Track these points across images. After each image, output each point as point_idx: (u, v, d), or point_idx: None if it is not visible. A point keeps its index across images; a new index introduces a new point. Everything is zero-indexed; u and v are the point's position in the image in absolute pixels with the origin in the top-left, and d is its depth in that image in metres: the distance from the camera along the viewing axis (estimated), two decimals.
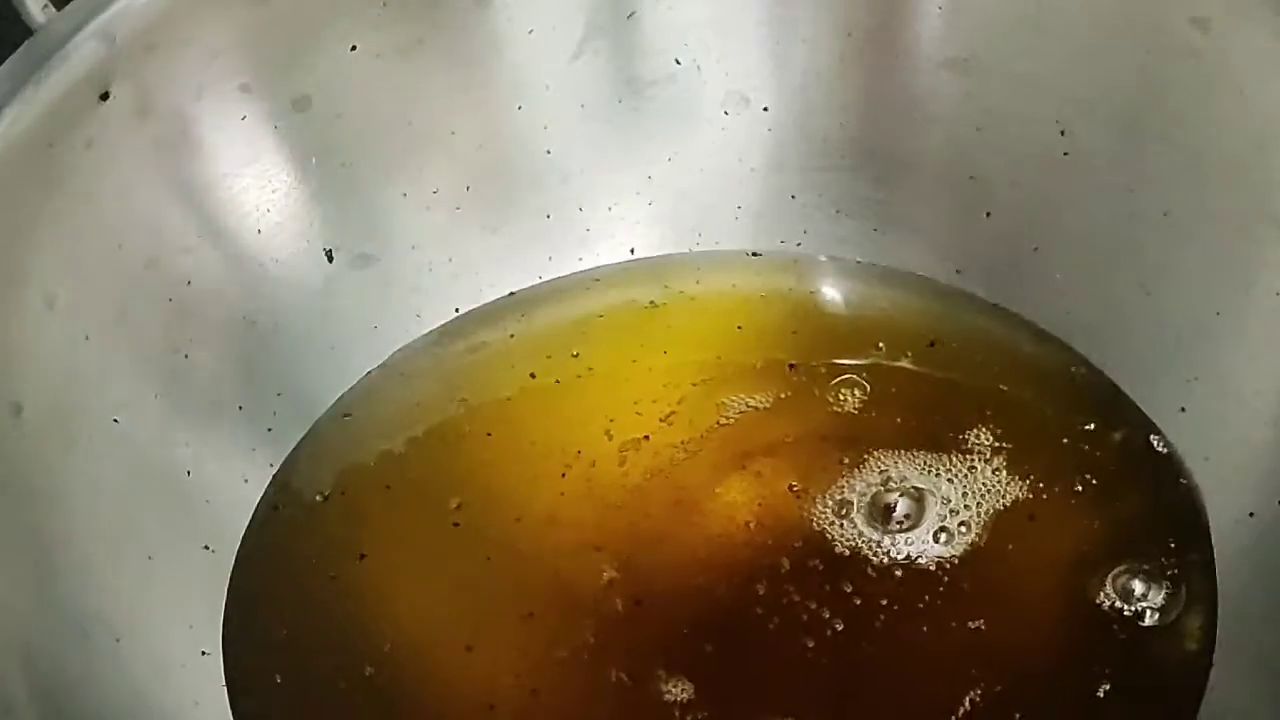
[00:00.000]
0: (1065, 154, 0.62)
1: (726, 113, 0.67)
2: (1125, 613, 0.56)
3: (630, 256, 0.68)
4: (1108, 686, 0.54)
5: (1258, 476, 0.57)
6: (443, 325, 0.66)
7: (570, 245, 0.68)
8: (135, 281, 0.59)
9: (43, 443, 0.55)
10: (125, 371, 0.59)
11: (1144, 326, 0.61)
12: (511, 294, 0.67)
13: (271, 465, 0.62)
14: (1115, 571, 0.56)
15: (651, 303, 0.67)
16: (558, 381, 0.64)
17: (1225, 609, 0.55)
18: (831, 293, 0.67)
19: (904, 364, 0.63)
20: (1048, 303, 0.64)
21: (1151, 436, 0.60)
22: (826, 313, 0.67)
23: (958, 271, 0.65)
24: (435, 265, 0.66)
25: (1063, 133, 0.62)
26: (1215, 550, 0.57)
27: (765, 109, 0.67)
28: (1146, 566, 0.57)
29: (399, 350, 0.66)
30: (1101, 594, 0.56)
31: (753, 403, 0.63)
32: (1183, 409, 0.59)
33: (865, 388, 0.63)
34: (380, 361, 0.65)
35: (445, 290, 0.66)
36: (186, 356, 0.60)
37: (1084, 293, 0.63)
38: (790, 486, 0.60)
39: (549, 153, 0.67)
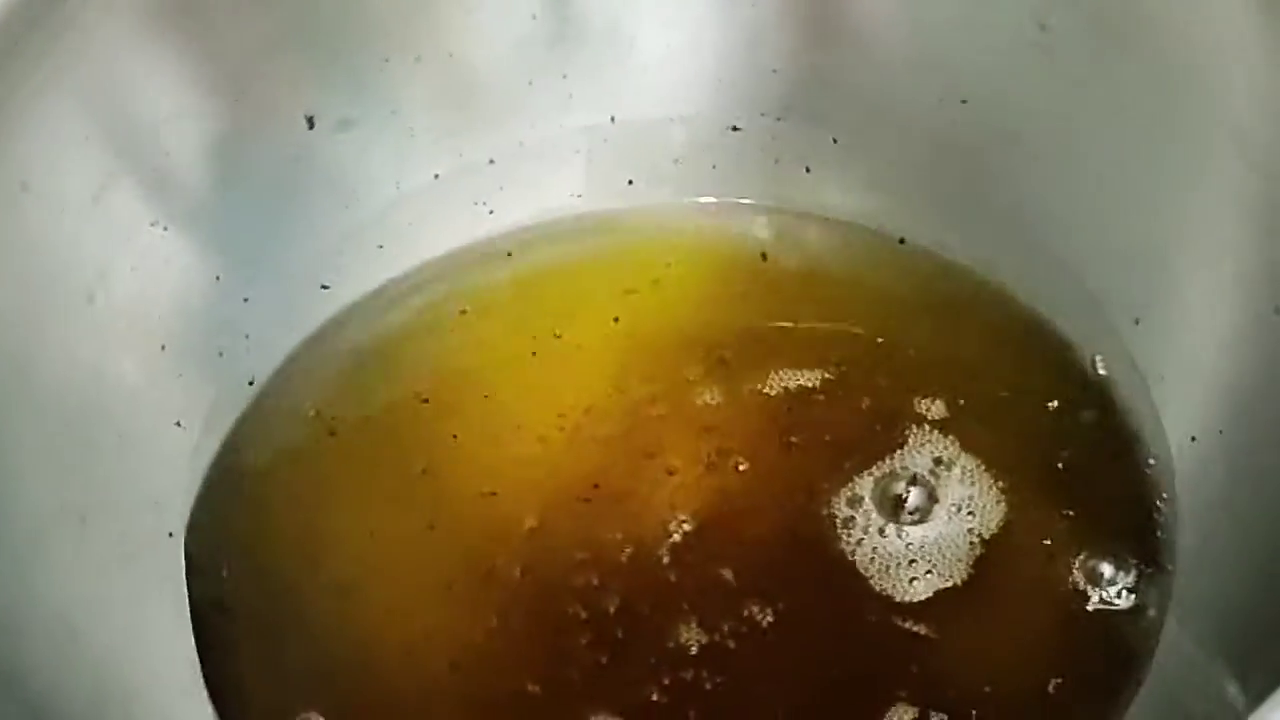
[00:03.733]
0: (1043, 50, 0.62)
1: None
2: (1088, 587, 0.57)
3: (611, 123, 0.68)
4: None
5: (1204, 401, 0.58)
6: (421, 192, 0.67)
7: (552, 111, 0.68)
8: (114, 157, 0.60)
9: (14, 324, 0.56)
10: (101, 246, 0.59)
11: (1107, 229, 0.61)
12: (491, 161, 0.67)
13: (247, 336, 0.63)
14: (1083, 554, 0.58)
15: (630, 181, 0.67)
16: (534, 262, 0.65)
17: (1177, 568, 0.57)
18: (794, 240, 0.68)
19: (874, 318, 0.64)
20: (1017, 192, 0.64)
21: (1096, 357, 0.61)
22: (786, 264, 0.68)
23: (930, 156, 0.65)
24: (416, 130, 0.66)
25: (1042, 28, 0.61)
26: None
27: None
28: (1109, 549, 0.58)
29: (377, 218, 0.66)
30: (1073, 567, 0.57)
31: (712, 372, 0.64)
32: (1137, 320, 0.60)
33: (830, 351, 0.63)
34: (358, 228, 0.66)
35: (425, 156, 0.67)
36: (165, 229, 0.61)
37: (1054, 186, 0.63)
38: (737, 466, 0.61)
39: (534, 18, 0.66)
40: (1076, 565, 0.57)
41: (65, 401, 0.57)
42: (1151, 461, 0.59)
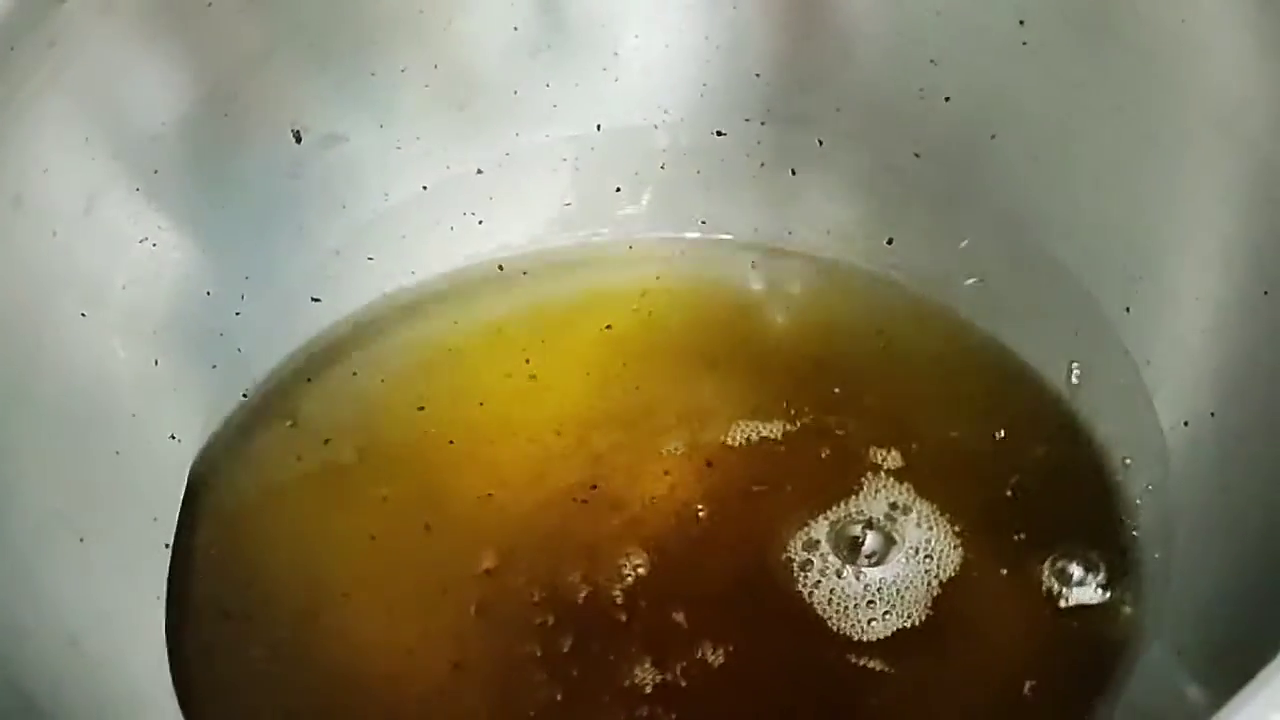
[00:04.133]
0: (1024, 44, 0.62)
1: None
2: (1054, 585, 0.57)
3: (597, 131, 0.68)
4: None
5: (1194, 383, 0.58)
6: (410, 204, 0.67)
7: (537, 122, 0.68)
8: (102, 173, 0.60)
9: (8, 338, 0.56)
10: (92, 263, 0.60)
11: (1094, 220, 0.62)
12: (479, 171, 0.68)
13: (240, 350, 0.64)
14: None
15: (618, 189, 0.68)
16: (525, 273, 0.66)
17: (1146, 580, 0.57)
18: (760, 280, 0.69)
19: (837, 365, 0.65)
20: (1001, 188, 0.64)
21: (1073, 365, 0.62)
22: (756, 308, 0.69)
23: (916, 155, 0.66)
24: (403, 143, 0.67)
25: (1021, 22, 0.62)
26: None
27: None
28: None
29: (367, 230, 0.67)
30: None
31: (678, 419, 0.64)
32: (1128, 309, 0.60)
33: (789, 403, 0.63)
34: (348, 241, 0.66)
35: (413, 168, 0.67)
36: (154, 245, 0.62)
37: (1037, 180, 0.63)
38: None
39: (516, 30, 0.67)
40: (1039, 597, 0.57)
41: (61, 414, 0.57)
42: (1120, 474, 0.60)
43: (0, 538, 0.53)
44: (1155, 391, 0.59)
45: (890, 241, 0.65)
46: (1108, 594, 0.57)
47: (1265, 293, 0.55)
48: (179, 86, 0.62)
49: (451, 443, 0.63)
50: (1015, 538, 0.59)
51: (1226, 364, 0.57)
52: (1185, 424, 0.57)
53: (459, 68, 0.67)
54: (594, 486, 0.61)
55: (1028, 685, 0.55)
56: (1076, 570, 0.57)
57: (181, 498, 0.60)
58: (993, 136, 0.64)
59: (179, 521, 0.60)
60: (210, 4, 0.62)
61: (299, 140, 0.65)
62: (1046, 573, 0.57)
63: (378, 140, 0.66)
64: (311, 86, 0.65)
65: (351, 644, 0.58)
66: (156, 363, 0.61)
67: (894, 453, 0.61)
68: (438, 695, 0.57)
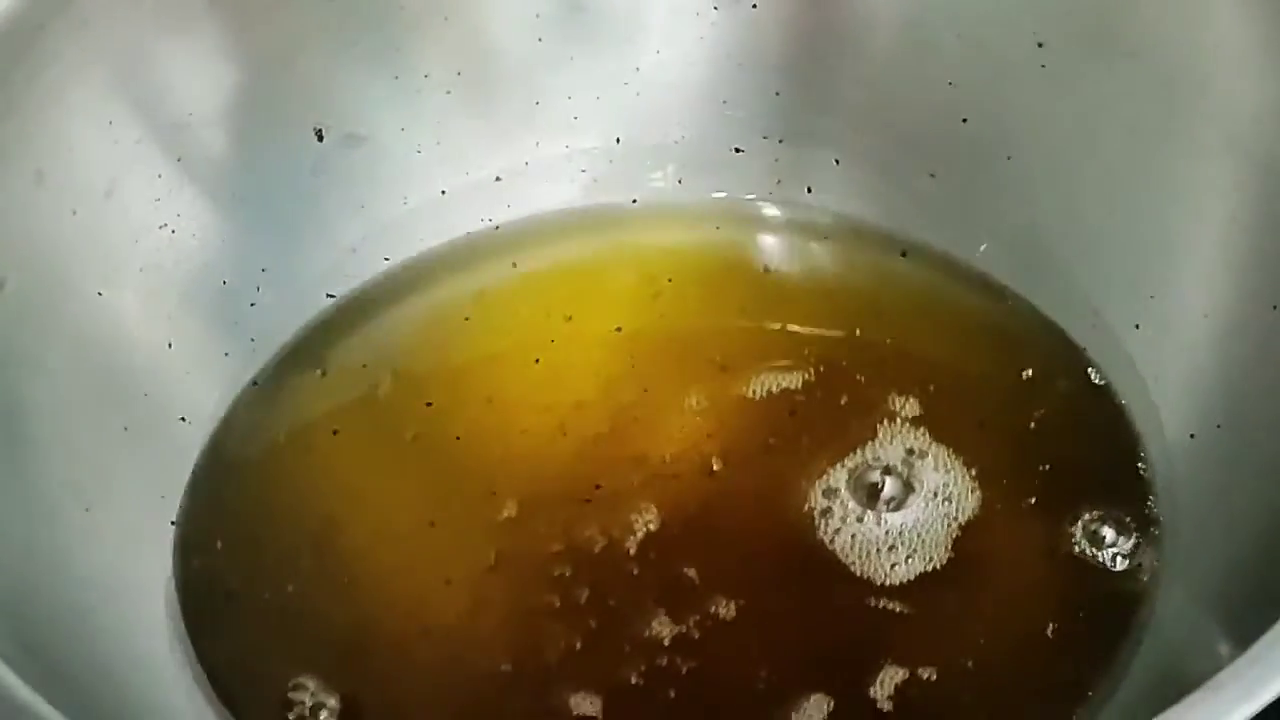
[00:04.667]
0: (1042, 66, 0.63)
1: (716, 8, 0.68)
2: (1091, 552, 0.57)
3: (616, 144, 0.69)
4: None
5: (1201, 398, 0.58)
6: (428, 208, 0.68)
7: (558, 132, 0.69)
8: (125, 157, 0.61)
9: (26, 313, 0.56)
10: (111, 245, 0.60)
11: (1107, 239, 0.62)
12: (498, 179, 0.68)
13: (253, 340, 0.64)
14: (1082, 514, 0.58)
15: (634, 200, 0.68)
16: (538, 271, 0.66)
17: (1166, 530, 0.57)
18: (778, 241, 0.69)
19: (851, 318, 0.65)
20: (1016, 210, 0.65)
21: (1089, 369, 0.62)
22: (771, 265, 0.69)
23: (932, 175, 0.66)
24: (424, 147, 0.67)
25: (1040, 45, 0.63)
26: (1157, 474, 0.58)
27: (754, 6, 0.67)
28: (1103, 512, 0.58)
29: (384, 231, 0.67)
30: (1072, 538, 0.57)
31: (698, 374, 0.64)
32: (1137, 325, 0.61)
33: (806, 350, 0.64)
34: (365, 240, 0.67)
35: (432, 173, 0.68)
36: (173, 231, 0.62)
37: (1051, 202, 0.64)
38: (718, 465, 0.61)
39: (540, 41, 0.68)
40: (1060, 537, 0.57)
41: (73, 388, 0.58)
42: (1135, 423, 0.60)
43: (12, 502, 0.53)
44: (1162, 406, 0.59)
45: (904, 254, 0.65)
46: (1129, 542, 0.56)
47: (1275, 307, 0.55)
48: (206, 77, 0.63)
49: (458, 439, 0.62)
50: (1033, 480, 0.59)
51: (1235, 378, 0.57)
52: (1191, 437, 0.57)
53: (482, 76, 0.68)
54: (615, 439, 0.62)
55: (1050, 626, 0.55)
56: (1095, 518, 0.57)
57: (189, 478, 0.61)
58: (1008, 158, 0.65)
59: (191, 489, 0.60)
60: None
61: (321, 139, 0.66)
62: (1065, 515, 0.57)
63: (398, 143, 0.67)
64: (335, 86, 0.66)
65: (367, 591, 0.58)
66: (170, 345, 0.61)
67: (911, 400, 0.61)
68: (458, 640, 0.57)
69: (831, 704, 0.54)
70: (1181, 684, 0.40)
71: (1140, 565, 0.56)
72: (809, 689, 0.54)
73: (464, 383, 0.64)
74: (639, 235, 0.68)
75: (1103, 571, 0.56)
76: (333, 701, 0.55)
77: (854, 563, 0.57)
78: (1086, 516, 0.57)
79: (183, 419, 0.61)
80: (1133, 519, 0.57)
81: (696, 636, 0.56)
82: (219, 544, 0.59)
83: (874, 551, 0.57)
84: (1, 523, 0.52)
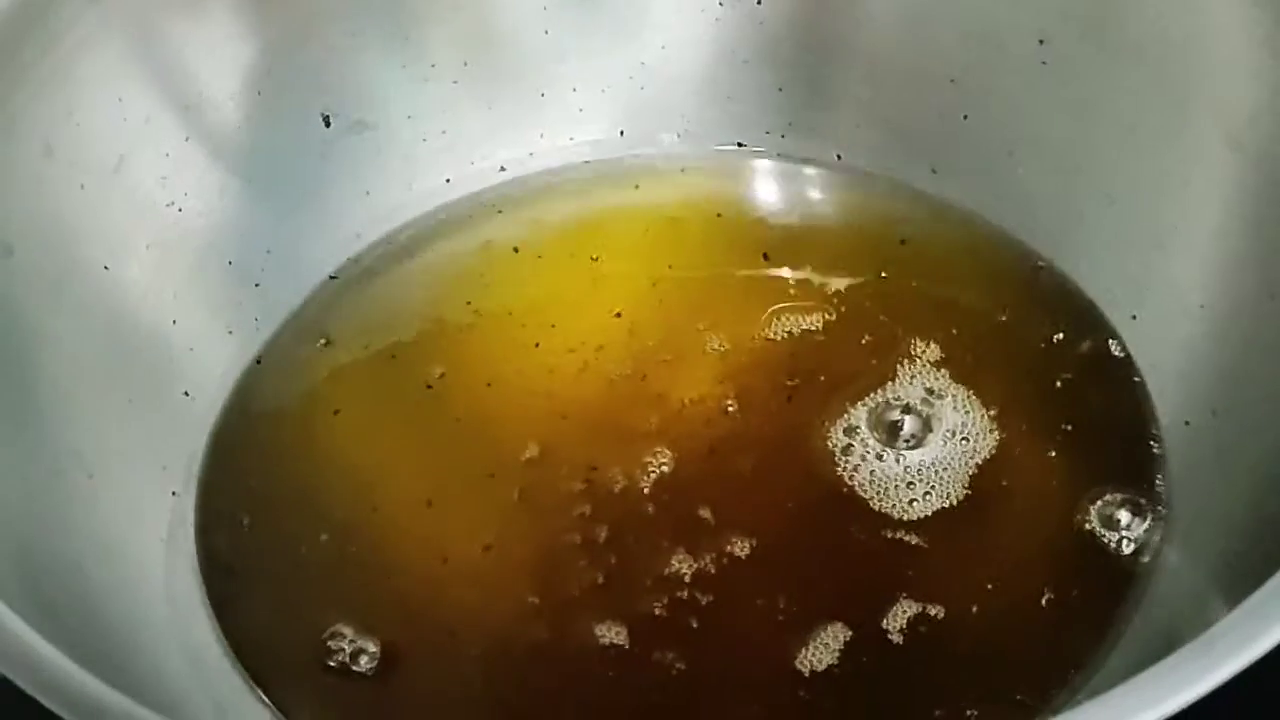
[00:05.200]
0: (1043, 63, 0.64)
1: (722, 4, 0.68)
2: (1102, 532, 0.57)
3: (620, 138, 0.70)
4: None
5: (1198, 385, 0.58)
6: (432, 194, 0.68)
7: (562, 124, 0.70)
8: (134, 135, 0.61)
9: (33, 284, 0.57)
10: (118, 221, 0.61)
11: (1105, 235, 0.63)
12: (502, 169, 0.69)
13: (256, 319, 0.65)
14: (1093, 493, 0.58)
15: (637, 186, 0.69)
16: (540, 256, 0.67)
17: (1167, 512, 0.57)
18: (810, 189, 0.69)
19: (874, 264, 0.65)
20: (1015, 206, 0.65)
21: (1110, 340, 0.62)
22: (805, 206, 0.69)
23: (933, 171, 0.67)
24: (430, 136, 0.68)
25: (1041, 42, 0.63)
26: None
27: (759, 2, 0.68)
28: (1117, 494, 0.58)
29: (388, 216, 0.68)
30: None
31: (720, 318, 0.65)
32: (1134, 316, 0.61)
33: (829, 292, 0.65)
34: (370, 224, 0.67)
35: (438, 161, 0.69)
36: (180, 210, 0.63)
37: (1051, 199, 0.64)
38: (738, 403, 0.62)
39: (547, 33, 0.68)
40: (1073, 484, 0.58)
41: (79, 359, 0.58)
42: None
43: (16, 464, 0.53)
44: (1158, 394, 0.59)
45: (903, 242, 0.66)
46: (1133, 507, 0.57)
47: (1272, 296, 0.56)
48: (216, 59, 0.64)
49: (458, 420, 0.63)
50: (1048, 422, 0.60)
51: (1231, 366, 0.57)
52: (1187, 424, 0.58)
53: (488, 66, 0.69)
54: (641, 379, 0.63)
55: (1063, 563, 0.56)
56: (1105, 488, 0.58)
57: (191, 450, 0.61)
58: (1009, 154, 0.65)
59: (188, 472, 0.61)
60: None
61: (328, 125, 0.66)
62: (1077, 472, 0.58)
63: (405, 131, 0.68)
64: (344, 73, 0.67)
65: (392, 528, 0.59)
66: (175, 322, 0.62)
67: (932, 345, 0.62)
68: (483, 575, 0.58)
69: (849, 634, 0.54)
70: (1175, 646, 0.40)
71: (1143, 534, 0.56)
72: (828, 618, 0.55)
73: (464, 361, 0.64)
74: (642, 217, 0.68)
75: (1107, 540, 0.57)
76: (372, 646, 0.55)
77: (872, 498, 0.58)
78: (1094, 489, 0.58)
79: (186, 393, 0.62)
80: (1139, 486, 0.58)
81: (721, 567, 0.56)
82: (222, 512, 0.60)
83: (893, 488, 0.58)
84: (6, 484, 0.52)
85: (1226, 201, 0.59)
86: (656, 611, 0.56)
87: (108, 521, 0.56)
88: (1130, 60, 0.61)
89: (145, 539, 0.58)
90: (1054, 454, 0.59)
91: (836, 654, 0.54)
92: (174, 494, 0.59)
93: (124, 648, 0.52)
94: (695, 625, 0.55)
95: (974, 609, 0.55)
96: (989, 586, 0.56)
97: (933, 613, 0.55)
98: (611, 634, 0.55)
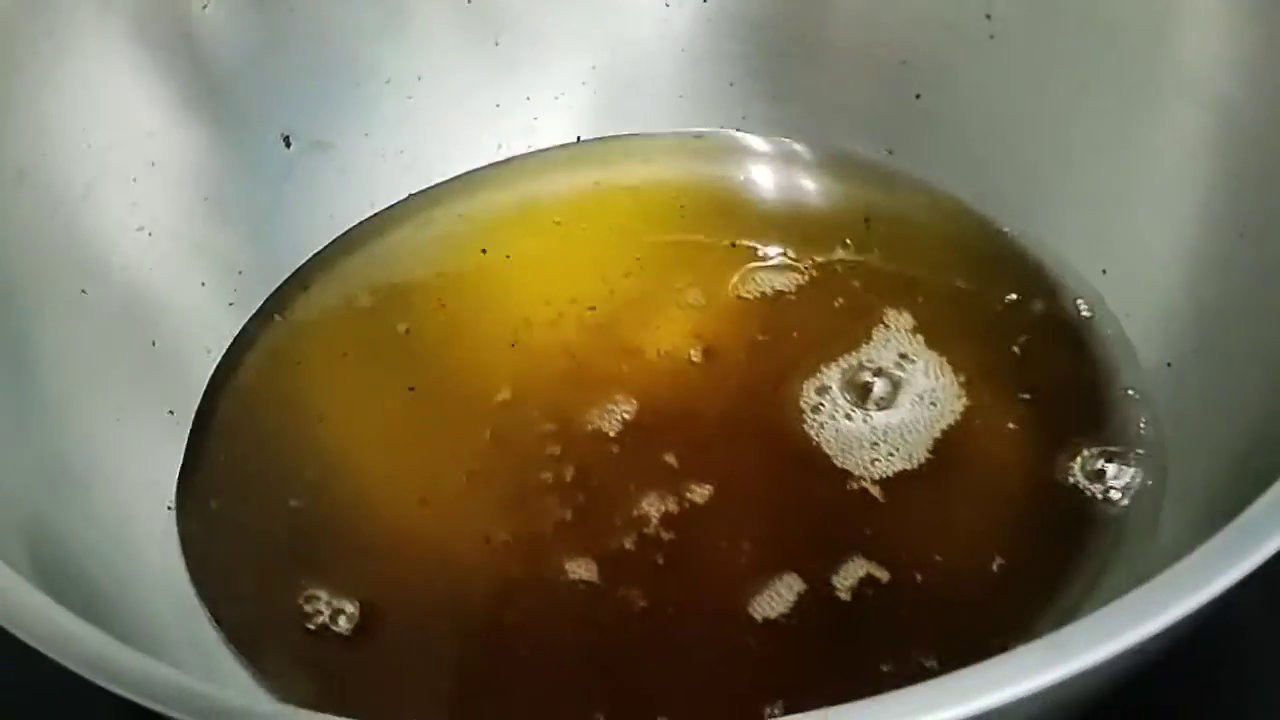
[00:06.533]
0: (991, 36, 0.65)
1: (668, 5, 0.69)
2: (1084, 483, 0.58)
3: (577, 143, 0.70)
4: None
5: (1175, 330, 0.59)
6: (395, 208, 0.69)
7: (519, 134, 0.70)
8: (100, 162, 0.61)
9: (12, 309, 0.57)
10: (91, 246, 0.61)
11: (1066, 196, 0.64)
12: (461, 180, 0.70)
13: (230, 335, 0.65)
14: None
15: (596, 184, 0.69)
16: (508, 256, 0.67)
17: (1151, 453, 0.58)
18: (769, 173, 0.70)
19: (838, 242, 0.66)
20: (974, 179, 0.66)
21: (1077, 300, 0.63)
22: (765, 194, 0.70)
23: (890, 152, 0.68)
24: (388, 153, 0.69)
25: (988, 16, 0.65)
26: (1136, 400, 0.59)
27: (704, 1, 0.69)
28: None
29: (354, 230, 0.68)
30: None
31: (694, 279, 0.66)
32: (1104, 270, 0.62)
33: (801, 265, 0.65)
34: (336, 241, 0.68)
35: (398, 176, 0.69)
36: (150, 234, 0.63)
37: (1009, 168, 0.65)
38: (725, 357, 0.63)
39: (497, 44, 0.69)
40: (1049, 441, 0.59)
41: (63, 380, 0.58)
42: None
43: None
44: (1136, 340, 0.60)
45: (867, 220, 0.67)
46: (1104, 461, 0.58)
47: (1241, 235, 0.57)
48: (174, 85, 0.64)
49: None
50: (1017, 393, 0.60)
51: (1208, 305, 0.58)
52: (1169, 365, 0.59)
53: (441, 81, 0.69)
54: (611, 333, 0.64)
55: (1020, 527, 0.57)
56: (1069, 456, 0.58)
57: (178, 467, 0.61)
58: (964, 127, 0.66)
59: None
60: (205, 7, 0.64)
61: (289, 145, 0.66)
62: (1045, 427, 0.59)
63: (363, 148, 0.68)
64: (300, 94, 0.67)
65: (366, 468, 0.61)
66: (154, 344, 0.62)
67: (905, 314, 0.63)
68: (458, 514, 0.59)
69: (804, 586, 0.55)
70: None
71: (1128, 482, 0.57)
72: (785, 567, 0.55)
73: (442, 363, 0.64)
74: (605, 220, 0.69)
75: (1076, 489, 0.57)
76: (350, 607, 0.56)
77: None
78: (1073, 444, 0.58)
79: (170, 412, 0.61)
80: (1111, 440, 0.58)
81: (684, 511, 0.58)
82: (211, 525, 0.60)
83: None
84: (13, 498, 0.52)
85: (1187, 150, 0.60)
86: (628, 546, 0.57)
87: (108, 538, 0.56)
88: (1077, 23, 0.63)
89: (144, 555, 0.57)
90: (1025, 413, 0.60)
91: (790, 603, 0.55)
92: (169, 508, 0.59)
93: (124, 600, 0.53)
94: (659, 562, 0.57)
95: (927, 567, 0.56)
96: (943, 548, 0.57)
97: (893, 566, 0.56)
98: (581, 570, 0.56)
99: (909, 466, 0.58)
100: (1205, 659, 0.53)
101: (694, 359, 0.63)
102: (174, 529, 0.59)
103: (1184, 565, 0.40)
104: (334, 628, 0.56)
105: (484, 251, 0.67)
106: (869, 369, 0.61)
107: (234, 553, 0.59)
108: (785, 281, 0.65)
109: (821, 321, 0.63)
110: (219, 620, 0.56)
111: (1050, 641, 0.38)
